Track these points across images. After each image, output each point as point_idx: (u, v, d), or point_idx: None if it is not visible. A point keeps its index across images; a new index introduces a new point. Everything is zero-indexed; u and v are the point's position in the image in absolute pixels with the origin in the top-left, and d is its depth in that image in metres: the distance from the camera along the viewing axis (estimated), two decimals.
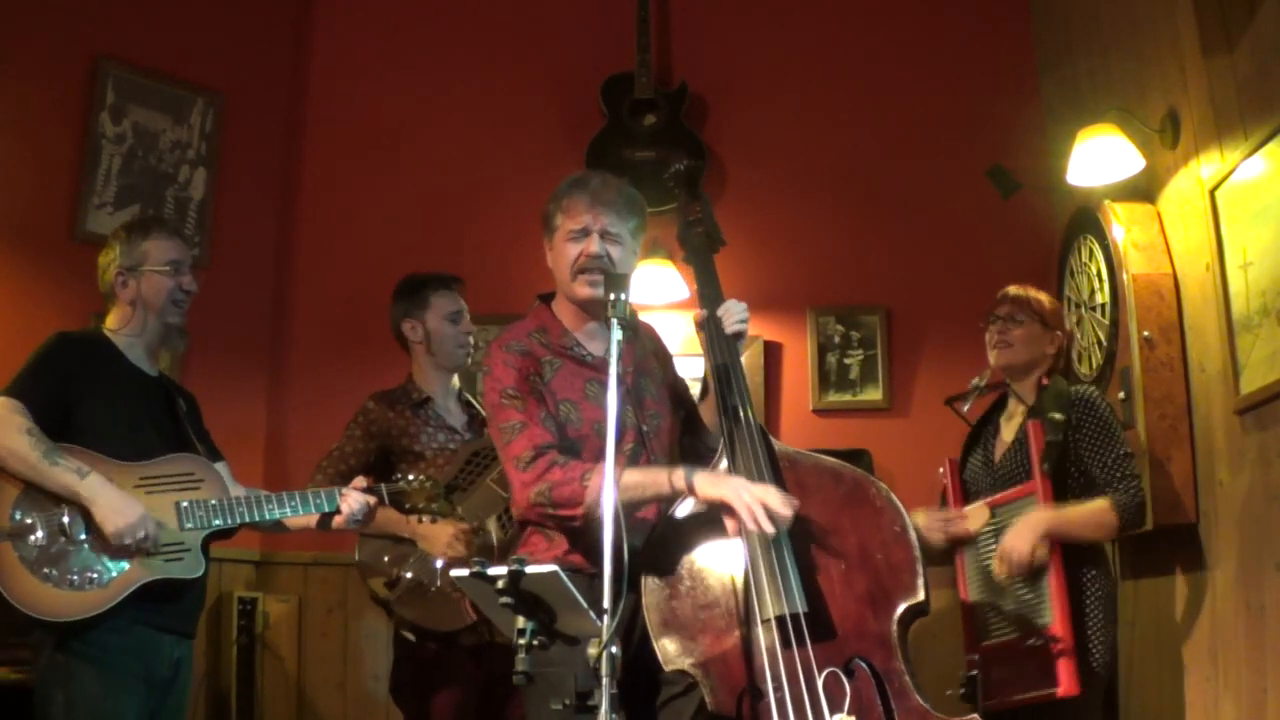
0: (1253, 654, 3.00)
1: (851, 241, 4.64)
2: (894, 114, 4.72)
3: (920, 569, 2.37)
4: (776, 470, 2.48)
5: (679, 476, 2.42)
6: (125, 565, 2.64)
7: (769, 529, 2.31)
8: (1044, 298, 3.33)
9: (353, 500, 2.89)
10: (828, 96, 4.77)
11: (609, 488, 2.14)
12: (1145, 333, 3.41)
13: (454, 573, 2.29)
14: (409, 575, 3.33)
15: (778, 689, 2.30)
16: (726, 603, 2.42)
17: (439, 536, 3.31)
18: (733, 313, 2.67)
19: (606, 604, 2.05)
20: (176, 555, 2.71)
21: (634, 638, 2.46)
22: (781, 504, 2.33)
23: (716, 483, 2.41)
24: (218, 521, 2.77)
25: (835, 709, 2.26)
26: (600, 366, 2.58)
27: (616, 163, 4.69)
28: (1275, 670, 2.89)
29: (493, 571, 2.09)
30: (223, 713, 4.13)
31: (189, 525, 2.73)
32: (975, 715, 2.33)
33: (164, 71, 4.40)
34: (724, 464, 2.52)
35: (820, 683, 2.28)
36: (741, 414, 2.54)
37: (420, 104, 4.82)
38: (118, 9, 4.31)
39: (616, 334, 2.28)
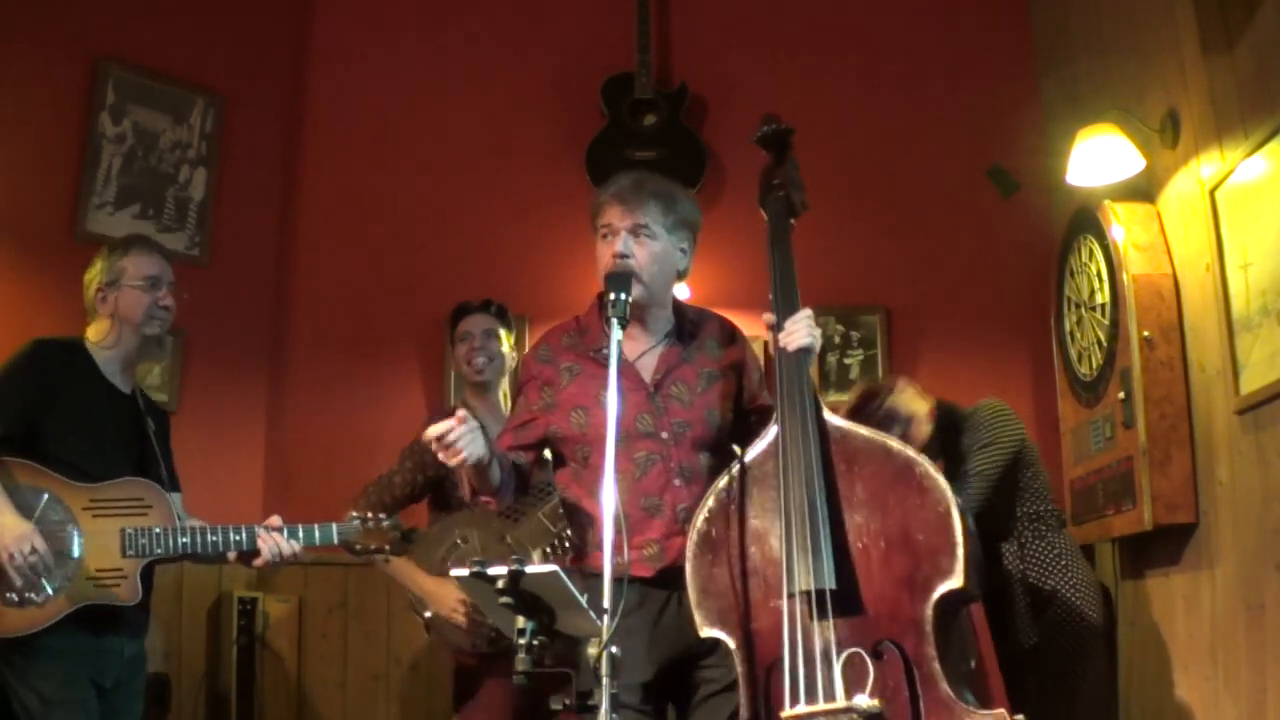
0: (1253, 654, 3.00)
1: (851, 241, 4.64)
2: (894, 114, 4.72)
3: (961, 554, 2.25)
4: (824, 445, 2.39)
5: None
6: (65, 587, 2.67)
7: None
8: (914, 405, 3.42)
9: (269, 544, 2.87)
10: (828, 96, 4.77)
11: (609, 486, 2.14)
12: (1145, 333, 3.40)
13: (454, 572, 2.28)
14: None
15: (793, 666, 2.26)
16: (766, 573, 2.38)
17: (445, 599, 3.30)
18: (789, 332, 2.51)
19: (606, 604, 2.05)
20: (114, 581, 2.72)
21: (669, 636, 2.45)
22: None
23: None
24: (159, 550, 2.77)
25: (856, 690, 2.21)
26: (623, 372, 2.55)
27: (616, 163, 4.69)
28: (1275, 670, 2.89)
29: (493, 571, 2.09)
30: (223, 713, 4.13)
31: (130, 553, 2.74)
32: (1002, 710, 2.24)
33: (164, 71, 4.40)
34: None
35: (841, 663, 2.23)
36: (791, 412, 2.42)
37: (420, 104, 4.82)
38: (118, 9, 4.31)
39: (616, 334, 2.28)
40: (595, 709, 2.01)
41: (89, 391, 2.85)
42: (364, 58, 4.88)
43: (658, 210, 2.60)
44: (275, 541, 2.86)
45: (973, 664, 2.89)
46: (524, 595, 2.10)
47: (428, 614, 3.34)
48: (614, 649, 2.02)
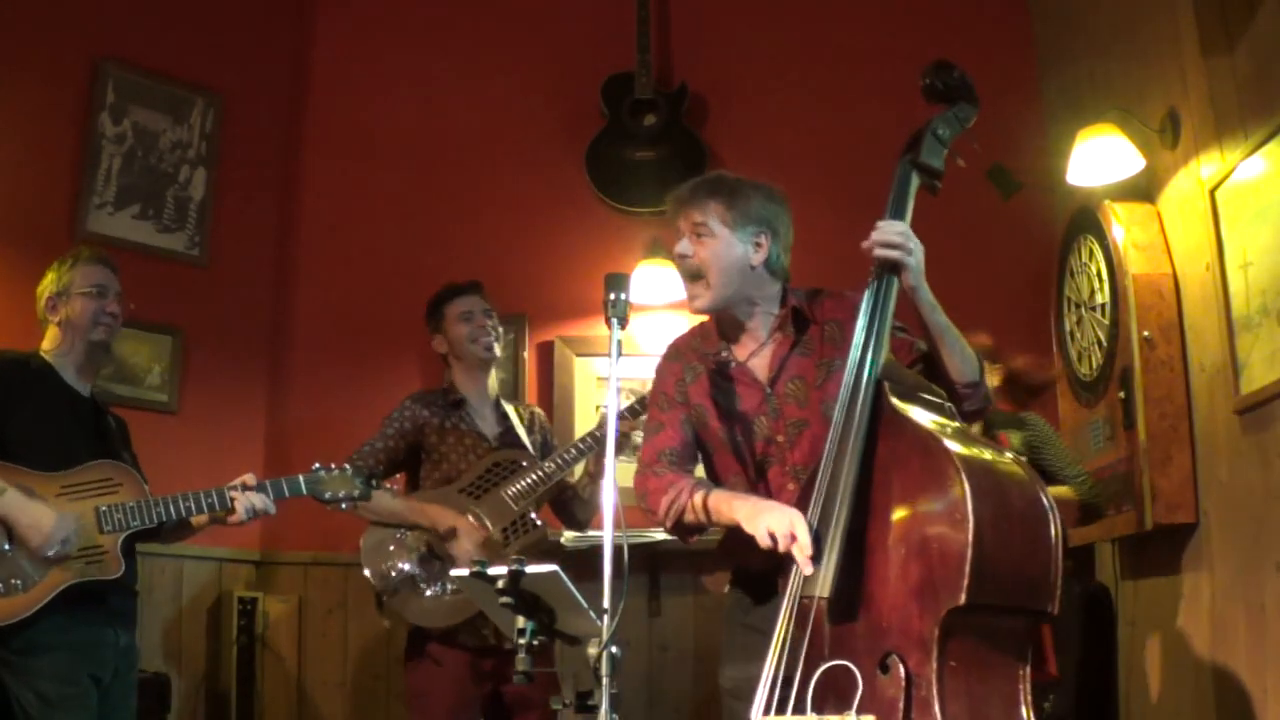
0: (1253, 654, 3.00)
1: (852, 242, 4.61)
2: (894, 114, 4.69)
3: (968, 569, 2.00)
4: (875, 428, 2.24)
5: (724, 503, 2.43)
6: (47, 570, 2.77)
7: (807, 570, 2.19)
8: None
9: (243, 500, 2.98)
10: (827, 96, 4.76)
11: (609, 486, 2.14)
12: (1145, 333, 3.40)
13: (454, 572, 2.29)
14: (405, 568, 3.35)
15: (776, 670, 2.18)
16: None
17: (461, 537, 3.36)
18: (879, 230, 2.43)
19: (606, 604, 2.05)
20: (95, 558, 2.84)
21: None
22: (805, 549, 2.19)
23: (739, 511, 2.37)
24: (135, 523, 2.90)
25: (837, 704, 2.09)
26: (738, 376, 2.59)
27: (616, 163, 4.70)
28: (1275, 670, 2.89)
29: (493, 571, 2.10)
30: (223, 713, 4.13)
31: (108, 529, 2.87)
32: None
33: (164, 71, 4.40)
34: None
35: (818, 673, 2.12)
36: (851, 405, 2.28)
37: (420, 104, 4.82)
38: (118, 9, 4.31)
39: (616, 334, 2.28)
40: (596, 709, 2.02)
41: (48, 393, 2.98)
42: (364, 58, 4.88)
43: (718, 207, 2.58)
44: (248, 498, 2.97)
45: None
46: (524, 595, 2.10)
47: (380, 590, 3.36)
48: (614, 649, 2.03)
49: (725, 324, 2.64)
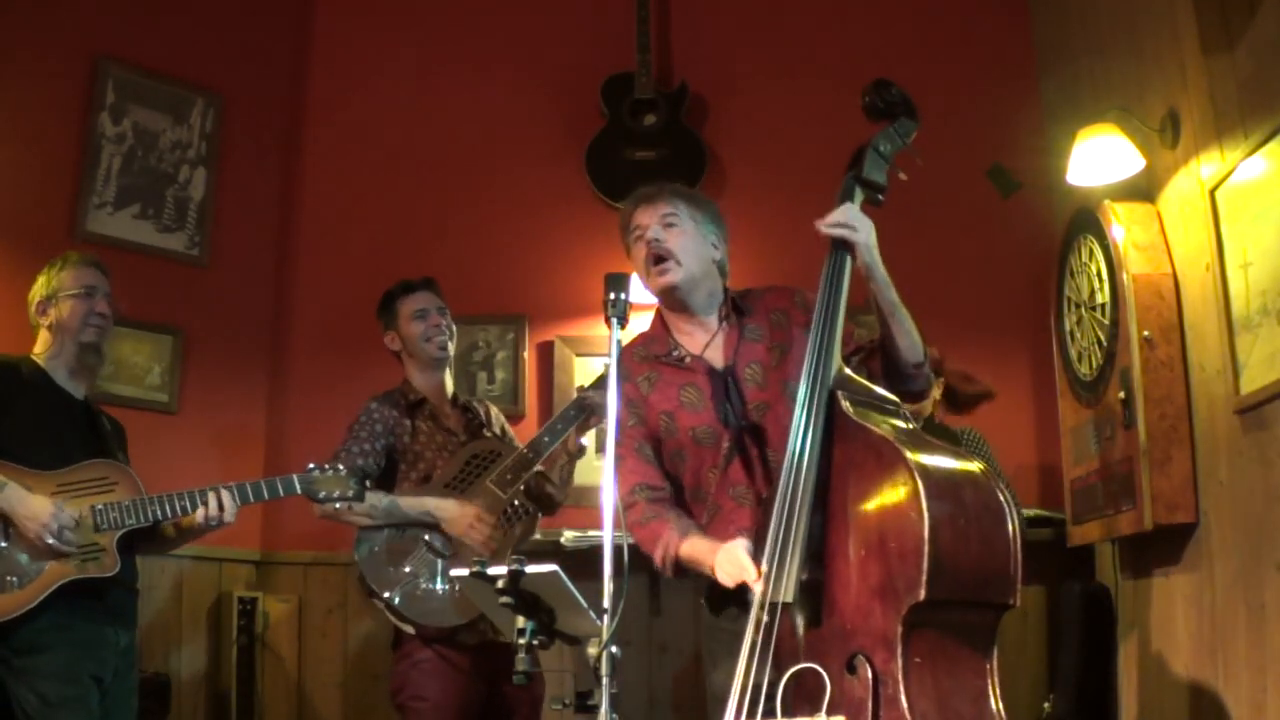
0: (1253, 654, 3.00)
1: None
2: None
3: (925, 565, 2.05)
4: (832, 429, 2.31)
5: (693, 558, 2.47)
6: (44, 567, 2.80)
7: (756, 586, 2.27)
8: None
9: (213, 502, 2.98)
10: (827, 96, 4.74)
11: (609, 483, 2.14)
12: (1145, 333, 3.40)
13: (454, 572, 2.29)
14: (407, 570, 3.34)
15: (746, 676, 2.20)
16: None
17: (461, 518, 3.34)
18: (829, 218, 2.49)
19: (606, 604, 2.05)
20: (93, 555, 2.87)
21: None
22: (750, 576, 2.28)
23: (704, 563, 2.44)
24: (131, 521, 2.92)
25: (809, 709, 2.11)
26: (695, 368, 2.63)
27: (617, 163, 4.70)
28: (1275, 670, 2.89)
29: (493, 571, 2.09)
30: (223, 713, 4.14)
31: (104, 527, 2.89)
32: None
33: (164, 71, 4.40)
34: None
35: (786, 679, 2.15)
36: (805, 416, 2.34)
37: (420, 104, 4.83)
38: (118, 9, 4.32)
39: (616, 333, 2.28)
40: (596, 709, 2.01)
41: (41, 396, 3.00)
42: (364, 58, 4.88)
43: (683, 204, 2.68)
44: (211, 504, 2.98)
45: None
46: (524, 595, 2.10)
47: (387, 594, 3.31)
48: (614, 649, 2.02)
49: (680, 315, 2.68)
